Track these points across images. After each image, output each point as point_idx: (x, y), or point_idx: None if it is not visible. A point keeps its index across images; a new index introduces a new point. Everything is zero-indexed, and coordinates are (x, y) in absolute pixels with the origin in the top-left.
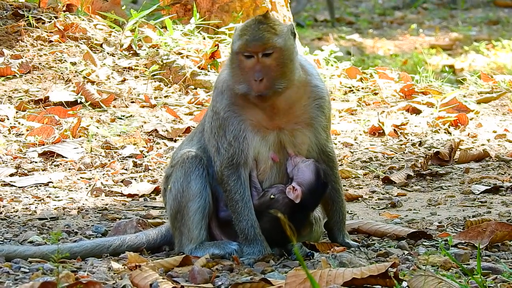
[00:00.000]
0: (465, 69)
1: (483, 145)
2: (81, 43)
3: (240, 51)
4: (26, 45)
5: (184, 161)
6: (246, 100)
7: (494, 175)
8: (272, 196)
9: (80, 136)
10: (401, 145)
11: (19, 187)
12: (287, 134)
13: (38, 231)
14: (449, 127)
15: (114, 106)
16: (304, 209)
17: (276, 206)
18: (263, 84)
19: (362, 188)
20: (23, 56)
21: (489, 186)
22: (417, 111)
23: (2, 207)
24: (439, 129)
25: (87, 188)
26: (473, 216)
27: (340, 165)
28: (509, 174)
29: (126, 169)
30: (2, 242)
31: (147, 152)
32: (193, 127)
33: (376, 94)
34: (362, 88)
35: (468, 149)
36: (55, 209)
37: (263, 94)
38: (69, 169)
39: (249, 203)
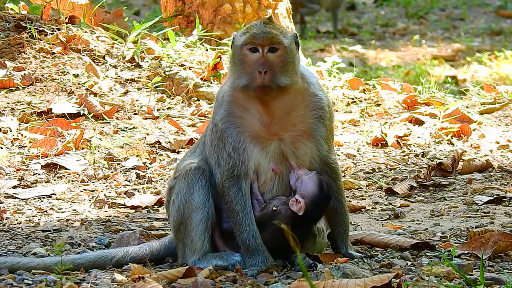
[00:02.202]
0: (467, 80)
1: (486, 155)
2: (84, 55)
3: (246, 44)
4: (29, 57)
5: (187, 172)
6: (245, 106)
7: (497, 186)
8: (274, 208)
9: (83, 148)
10: (404, 156)
11: (22, 199)
12: (288, 144)
13: (41, 243)
14: (452, 138)
15: (117, 118)
16: (307, 221)
17: (278, 218)
18: (267, 76)
19: (365, 199)
20: (26, 68)
21: (492, 196)
22: (420, 122)
23: (6, 219)
24: (442, 140)
25: (90, 200)
26: (476, 227)
27: (343, 176)
28: None
29: (129, 181)
30: (5, 254)
31: (150, 163)
32: (196, 138)
33: (379, 105)
34: (365, 99)
35: (471, 160)
36: (58, 221)
37: (267, 85)
38: (72, 181)
39: (250, 214)
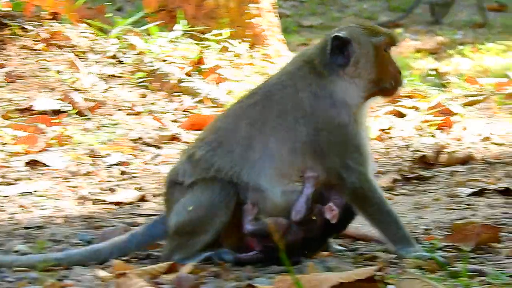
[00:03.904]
0: (450, 73)
1: (468, 148)
2: (66, 51)
3: (388, 44)
4: (11, 54)
5: (212, 182)
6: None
7: (480, 178)
8: (313, 217)
9: (65, 145)
10: (387, 149)
11: (4, 196)
12: None
13: (24, 240)
14: (434, 131)
15: (99, 114)
16: (334, 230)
17: (312, 225)
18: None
19: None
20: (8, 65)
21: (475, 188)
22: (402, 115)
23: None
24: (425, 133)
25: (73, 197)
26: (459, 219)
27: None
28: (494, 177)
29: (112, 177)
30: None
31: (133, 159)
32: (178, 134)
33: None
34: None
35: (453, 152)
36: (40, 217)
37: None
38: (55, 177)
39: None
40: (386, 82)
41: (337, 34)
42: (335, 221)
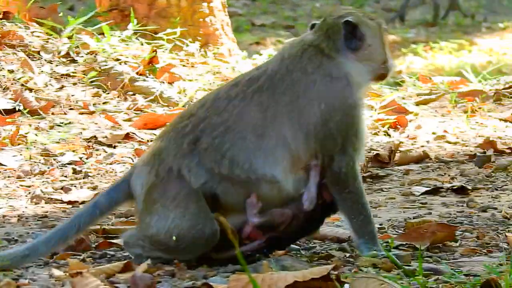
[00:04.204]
0: (403, 71)
1: (422, 146)
2: (19, 51)
3: (386, 29)
4: None
5: (181, 197)
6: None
7: (434, 177)
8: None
9: (19, 144)
10: None
11: None
12: None
13: None
14: (388, 129)
15: (52, 113)
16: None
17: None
18: None
19: None
20: None
21: (429, 187)
22: None
23: None
24: (379, 131)
25: (26, 196)
26: (414, 218)
27: None
28: (449, 175)
29: (65, 176)
30: None
31: (87, 158)
32: (133, 133)
33: None
34: None
35: (407, 151)
36: None
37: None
38: (8, 177)
39: None
40: (388, 64)
41: (347, 19)
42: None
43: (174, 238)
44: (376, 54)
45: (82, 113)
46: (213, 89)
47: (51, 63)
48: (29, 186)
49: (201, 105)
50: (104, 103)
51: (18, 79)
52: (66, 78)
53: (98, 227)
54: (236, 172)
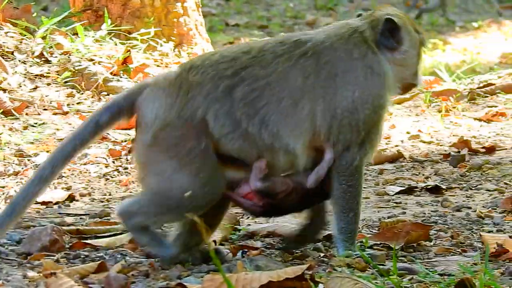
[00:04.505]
0: None
1: (397, 146)
2: None
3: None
4: None
5: (198, 151)
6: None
7: (408, 176)
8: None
9: None
10: None
11: None
12: None
13: None
14: None
15: (26, 114)
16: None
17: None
18: None
19: None
20: None
21: (404, 187)
22: None
23: None
24: None
25: (1, 197)
26: (388, 217)
27: None
28: (423, 175)
29: None
30: None
31: None
32: (108, 133)
33: None
34: None
35: (382, 150)
36: None
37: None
38: None
39: None
40: (417, 77)
41: (390, 17)
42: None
43: (188, 194)
44: (410, 63)
45: (56, 114)
46: (257, 40)
47: (25, 64)
48: (3, 187)
49: (245, 51)
50: (78, 103)
51: None
52: (40, 78)
53: (73, 227)
54: (263, 133)
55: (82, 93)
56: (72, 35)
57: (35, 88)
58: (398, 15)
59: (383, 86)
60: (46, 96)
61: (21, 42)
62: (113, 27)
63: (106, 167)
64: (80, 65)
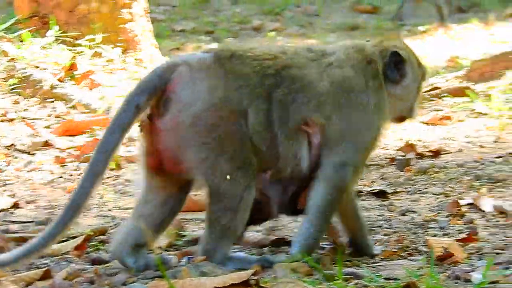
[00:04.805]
0: None
1: None
2: None
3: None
4: None
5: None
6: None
7: None
8: None
9: None
10: None
11: None
12: None
13: None
14: None
15: None
16: None
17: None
18: None
19: None
20: None
21: None
22: None
23: None
24: None
25: None
26: (334, 221)
27: None
28: (369, 179)
29: None
30: None
31: (6, 166)
32: (51, 140)
33: None
34: None
35: None
36: None
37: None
38: None
39: None
40: (412, 112)
41: (396, 50)
42: None
43: (228, 177)
44: (409, 97)
45: (1, 121)
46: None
47: None
48: None
49: (281, 51)
50: (23, 110)
51: None
52: None
53: (18, 235)
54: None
55: (28, 100)
56: (19, 41)
57: None
58: (404, 48)
59: (383, 117)
60: None
61: None
62: (60, 33)
63: (51, 174)
64: (26, 72)
